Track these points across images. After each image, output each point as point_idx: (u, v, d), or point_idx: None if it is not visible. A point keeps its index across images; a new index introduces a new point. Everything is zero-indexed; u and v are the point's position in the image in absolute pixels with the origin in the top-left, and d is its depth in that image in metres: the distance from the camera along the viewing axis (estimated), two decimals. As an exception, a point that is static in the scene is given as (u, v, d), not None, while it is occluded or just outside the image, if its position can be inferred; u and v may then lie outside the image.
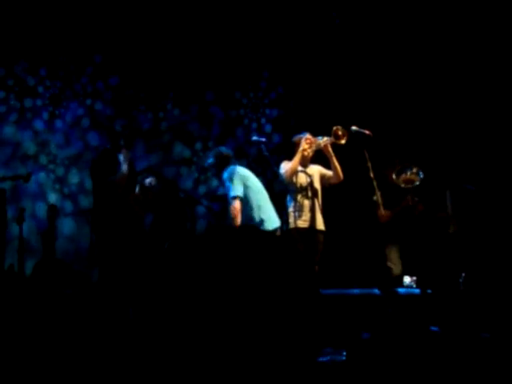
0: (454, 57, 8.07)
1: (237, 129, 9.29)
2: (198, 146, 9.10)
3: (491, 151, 7.74)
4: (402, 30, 8.28)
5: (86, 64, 8.69)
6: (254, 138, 6.91)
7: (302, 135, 6.51)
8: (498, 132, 7.74)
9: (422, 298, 5.84)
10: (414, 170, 6.46)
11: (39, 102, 8.51)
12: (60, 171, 8.47)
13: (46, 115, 8.53)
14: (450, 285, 6.32)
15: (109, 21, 8.42)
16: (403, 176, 6.47)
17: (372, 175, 6.13)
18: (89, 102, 8.69)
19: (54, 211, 7.43)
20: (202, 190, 8.95)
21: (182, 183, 8.73)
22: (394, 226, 6.58)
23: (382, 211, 6.48)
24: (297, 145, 6.48)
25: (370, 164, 6.13)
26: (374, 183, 6.13)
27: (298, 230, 6.30)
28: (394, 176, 6.42)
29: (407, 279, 6.36)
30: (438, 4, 7.93)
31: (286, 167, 6.41)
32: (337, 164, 6.44)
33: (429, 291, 6.01)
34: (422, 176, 6.42)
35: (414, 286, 6.32)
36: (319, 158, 6.56)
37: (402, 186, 6.42)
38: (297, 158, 6.37)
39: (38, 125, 8.50)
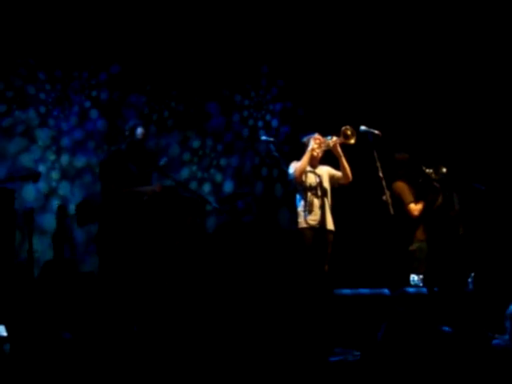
0: (463, 56, 8.05)
1: (241, 129, 9.32)
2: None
3: (500, 150, 7.72)
4: (411, 27, 8.26)
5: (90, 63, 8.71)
6: (263, 137, 6.93)
7: (310, 135, 6.52)
8: (507, 131, 7.71)
9: (430, 297, 5.83)
10: (440, 171, 6.51)
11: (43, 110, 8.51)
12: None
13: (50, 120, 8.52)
14: (458, 284, 6.32)
15: (112, 21, 8.43)
16: (428, 170, 6.51)
17: (381, 175, 6.12)
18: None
19: (63, 212, 7.44)
20: (192, 185, 8.90)
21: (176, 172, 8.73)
22: (424, 222, 6.60)
23: (413, 205, 6.53)
24: (306, 145, 6.49)
25: (379, 164, 6.12)
26: (383, 183, 6.11)
27: (308, 228, 6.32)
28: (423, 167, 6.49)
29: (414, 277, 6.33)
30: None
31: (295, 166, 6.42)
32: (346, 164, 6.45)
33: (435, 289, 6.01)
34: (440, 177, 6.48)
35: (421, 284, 6.29)
36: (328, 159, 6.56)
37: (432, 176, 6.48)
38: (306, 157, 6.39)
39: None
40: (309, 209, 6.35)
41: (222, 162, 9.17)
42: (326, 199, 6.41)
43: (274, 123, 9.38)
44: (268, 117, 9.41)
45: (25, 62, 8.32)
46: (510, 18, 7.65)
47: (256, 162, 9.23)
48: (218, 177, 9.13)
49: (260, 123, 9.38)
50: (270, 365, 4.46)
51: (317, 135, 6.49)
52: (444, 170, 6.54)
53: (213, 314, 5.65)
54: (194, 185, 8.92)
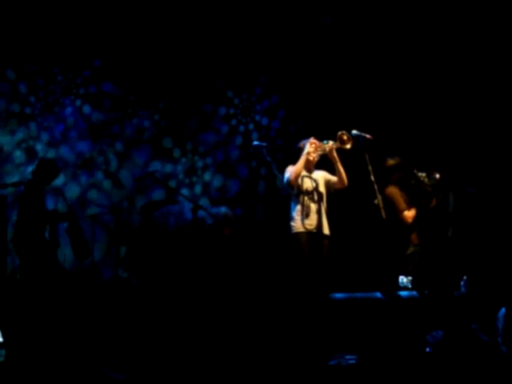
0: (454, 59, 8.07)
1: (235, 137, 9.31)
2: (189, 145, 9.12)
3: (492, 153, 7.75)
4: (401, 32, 8.29)
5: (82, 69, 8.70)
6: (255, 142, 6.91)
7: (306, 140, 6.53)
8: (499, 134, 7.74)
9: (421, 300, 5.83)
10: (433, 176, 6.51)
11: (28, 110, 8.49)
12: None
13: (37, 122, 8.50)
14: (448, 287, 6.34)
15: (104, 25, 8.42)
16: (420, 174, 6.50)
17: (373, 179, 6.14)
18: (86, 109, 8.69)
19: (55, 218, 7.39)
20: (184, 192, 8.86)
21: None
22: (419, 226, 6.60)
23: (407, 213, 6.52)
24: (301, 150, 6.50)
25: (370, 168, 6.14)
26: (375, 187, 6.13)
27: (304, 233, 6.33)
28: (415, 170, 6.50)
29: (403, 279, 6.33)
30: (438, 3, 7.93)
31: (290, 170, 6.42)
32: (342, 169, 6.46)
33: (426, 292, 6.03)
34: (432, 183, 6.48)
35: (410, 286, 6.30)
36: (324, 164, 6.57)
37: (425, 181, 6.48)
38: (301, 160, 6.38)
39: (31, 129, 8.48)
40: (306, 213, 6.35)
41: (207, 176, 9.17)
42: (321, 204, 6.43)
43: (254, 136, 9.34)
44: (251, 126, 9.39)
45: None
46: (499, 23, 7.68)
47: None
48: (198, 188, 9.11)
49: (241, 128, 9.36)
50: (267, 368, 4.47)
51: (312, 139, 6.49)
52: (437, 175, 6.54)
53: (210, 317, 5.66)
54: (185, 191, 8.91)
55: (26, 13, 8.08)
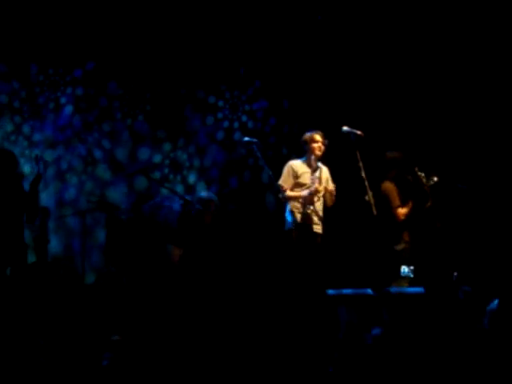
0: (445, 57, 8.08)
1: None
2: (181, 142, 9.09)
3: (484, 150, 7.77)
4: (396, 28, 8.28)
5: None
6: (246, 138, 6.87)
7: (312, 132, 6.55)
8: (492, 131, 7.76)
9: (427, 296, 5.82)
10: (431, 178, 6.51)
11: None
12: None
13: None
14: (443, 282, 6.37)
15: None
16: (420, 173, 6.50)
17: (364, 175, 6.15)
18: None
19: (45, 214, 7.39)
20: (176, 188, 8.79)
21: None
22: (410, 224, 6.61)
23: (400, 210, 6.53)
24: (306, 143, 6.51)
25: (361, 164, 6.15)
26: (366, 183, 6.14)
27: (298, 230, 6.34)
28: (416, 169, 6.50)
29: (405, 269, 6.34)
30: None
31: (286, 186, 6.41)
32: (330, 197, 6.54)
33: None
34: (429, 184, 6.49)
35: (412, 275, 6.31)
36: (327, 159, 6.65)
37: (423, 181, 6.49)
38: (301, 196, 6.41)
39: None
40: (301, 209, 6.38)
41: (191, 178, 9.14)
42: (318, 201, 6.46)
43: (236, 135, 9.22)
44: (236, 124, 9.32)
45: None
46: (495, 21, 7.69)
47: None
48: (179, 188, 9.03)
49: (225, 123, 9.28)
50: (259, 365, 4.49)
51: (319, 136, 6.50)
52: (435, 178, 6.54)
53: (199, 313, 5.67)
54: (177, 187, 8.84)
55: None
